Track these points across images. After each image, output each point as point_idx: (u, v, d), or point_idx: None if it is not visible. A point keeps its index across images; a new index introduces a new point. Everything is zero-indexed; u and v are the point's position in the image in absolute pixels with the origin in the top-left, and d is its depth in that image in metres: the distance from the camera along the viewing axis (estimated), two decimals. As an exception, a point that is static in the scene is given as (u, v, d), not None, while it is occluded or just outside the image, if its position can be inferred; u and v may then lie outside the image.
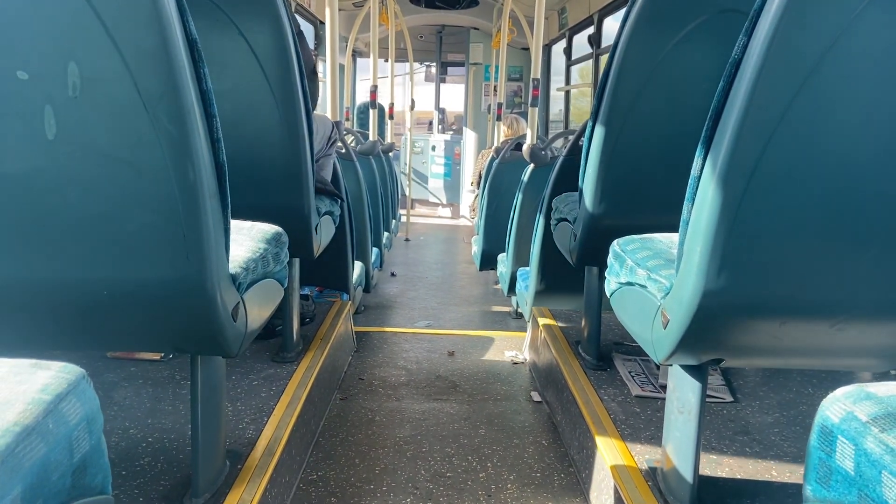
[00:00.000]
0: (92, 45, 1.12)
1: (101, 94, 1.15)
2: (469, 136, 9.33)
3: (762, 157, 1.19)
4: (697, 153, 1.29)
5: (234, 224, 1.58)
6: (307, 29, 6.35)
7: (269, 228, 1.78)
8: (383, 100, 7.36)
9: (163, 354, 2.39)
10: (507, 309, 4.41)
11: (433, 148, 9.95)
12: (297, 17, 5.57)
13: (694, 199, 1.31)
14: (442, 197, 9.91)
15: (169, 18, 1.13)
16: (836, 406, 0.85)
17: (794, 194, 1.23)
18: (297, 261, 2.52)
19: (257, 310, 1.57)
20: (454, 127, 11.38)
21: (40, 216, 1.22)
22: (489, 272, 5.12)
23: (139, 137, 1.18)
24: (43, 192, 1.20)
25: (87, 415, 0.85)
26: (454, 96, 11.55)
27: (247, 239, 1.66)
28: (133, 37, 1.13)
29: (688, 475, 1.59)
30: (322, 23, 6.22)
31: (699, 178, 1.29)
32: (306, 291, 3.22)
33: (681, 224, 1.35)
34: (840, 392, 0.87)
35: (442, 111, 10.99)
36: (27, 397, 0.78)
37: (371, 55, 5.03)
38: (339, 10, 3.95)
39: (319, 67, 6.68)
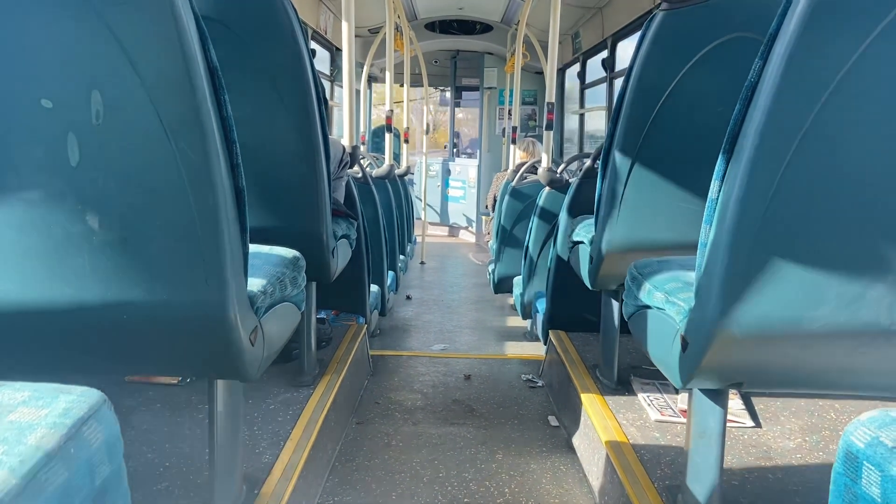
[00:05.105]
0: (115, 74, 1.14)
1: (124, 121, 1.17)
2: (484, 160, 9.38)
3: (780, 180, 1.19)
4: (715, 176, 1.29)
5: (253, 248, 1.59)
6: (323, 55, 6.44)
7: (286, 252, 1.79)
8: (398, 124, 7.43)
9: (180, 378, 2.40)
10: (522, 330, 4.39)
11: (448, 171, 10.01)
12: (314, 43, 5.65)
13: (712, 222, 1.30)
14: (458, 220, 9.95)
15: (191, 47, 1.15)
16: (861, 431, 0.83)
17: (813, 216, 1.22)
18: (314, 284, 2.53)
19: (275, 334, 1.57)
20: (469, 151, 11.46)
21: (62, 241, 1.23)
22: (505, 295, 5.11)
23: (160, 164, 1.19)
24: (65, 218, 1.22)
25: (108, 439, 0.85)
26: (469, 120, 11.63)
27: (265, 263, 1.67)
28: (155, 65, 1.15)
29: (710, 501, 1.56)
30: (339, 49, 6.30)
31: (717, 200, 1.29)
32: (322, 315, 3.23)
33: (699, 247, 1.35)
34: (865, 417, 0.85)
35: (457, 135, 11.07)
36: (49, 421, 0.78)
37: (387, 81, 5.08)
38: (356, 36, 4.01)
39: (336, 93, 6.78)
